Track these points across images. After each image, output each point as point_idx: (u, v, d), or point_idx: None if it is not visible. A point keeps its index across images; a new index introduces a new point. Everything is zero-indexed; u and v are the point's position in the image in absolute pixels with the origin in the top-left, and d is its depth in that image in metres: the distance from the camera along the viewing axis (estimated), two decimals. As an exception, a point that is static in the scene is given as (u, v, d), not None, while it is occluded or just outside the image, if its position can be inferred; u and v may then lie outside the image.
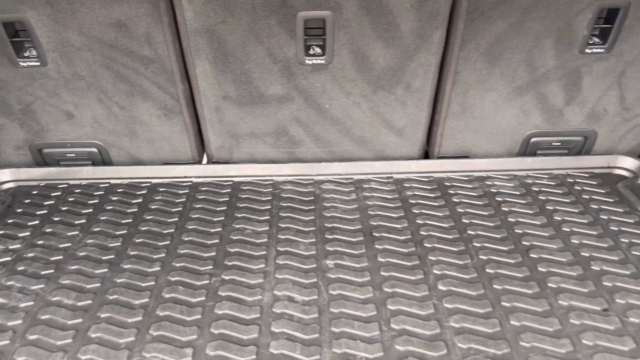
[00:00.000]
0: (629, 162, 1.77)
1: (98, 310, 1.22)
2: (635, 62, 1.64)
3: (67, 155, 1.80)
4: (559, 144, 1.85)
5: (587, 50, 1.61)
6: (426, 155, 1.90)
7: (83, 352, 1.11)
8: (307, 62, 1.59)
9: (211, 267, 1.36)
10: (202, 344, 1.13)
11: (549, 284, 1.29)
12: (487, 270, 1.34)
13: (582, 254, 1.39)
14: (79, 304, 1.24)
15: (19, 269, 1.36)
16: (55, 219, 1.56)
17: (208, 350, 1.12)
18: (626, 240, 1.44)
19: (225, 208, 1.62)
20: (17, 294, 1.27)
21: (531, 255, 1.39)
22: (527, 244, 1.44)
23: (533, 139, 1.83)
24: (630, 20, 1.55)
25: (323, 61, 1.59)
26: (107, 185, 1.73)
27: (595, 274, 1.32)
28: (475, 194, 1.68)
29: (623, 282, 1.29)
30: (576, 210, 1.58)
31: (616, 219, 1.54)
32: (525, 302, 1.24)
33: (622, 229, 1.49)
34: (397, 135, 1.79)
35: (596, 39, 1.61)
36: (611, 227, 1.50)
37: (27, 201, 1.65)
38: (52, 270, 1.35)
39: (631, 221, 1.52)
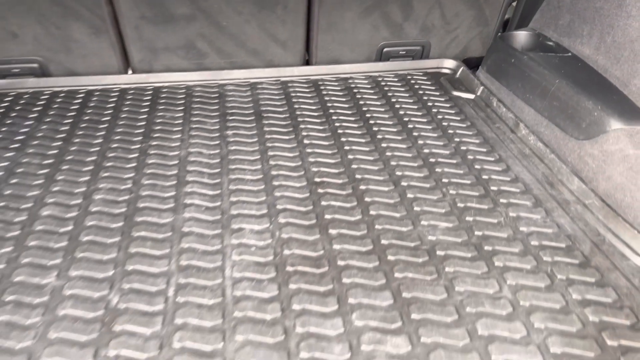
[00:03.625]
0: (450, 63, 2.43)
1: (38, 210, 1.51)
2: (448, -14, 2.26)
3: (12, 70, 2.20)
4: (405, 52, 2.47)
5: (413, -23, 2.20)
6: (308, 63, 2.46)
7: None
8: (205, -13, 2.08)
9: (139, 145, 1.86)
10: (134, 198, 1.63)
11: (382, 145, 1.89)
12: (339, 131, 1.95)
13: (407, 125, 2.01)
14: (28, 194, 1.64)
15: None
16: (8, 121, 1.97)
17: (139, 203, 1.60)
18: (436, 111, 2.09)
19: (148, 103, 2.11)
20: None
21: (374, 129, 1.99)
22: (372, 121, 2.04)
23: (385, 49, 2.43)
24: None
25: (218, -14, 2.09)
26: (51, 92, 2.16)
27: (414, 138, 1.93)
28: (339, 89, 2.27)
29: (430, 140, 1.93)
30: (410, 99, 2.21)
31: (434, 99, 2.19)
32: (359, 144, 1.86)
33: (436, 104, 2.14)
34: (282, 47, 2.33)
35: (419, -32, 2.21)
36: (428, 104, 2.15)
37: (-18, 107, 2.05)
38: (9, 160, 1.75)
39: (443, 99, 2.18)
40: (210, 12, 2.15)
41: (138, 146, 1.83)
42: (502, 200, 1.59)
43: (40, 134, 1.88)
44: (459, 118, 2.04)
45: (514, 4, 2.41)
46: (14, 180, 1.64)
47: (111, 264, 1.34)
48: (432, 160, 1.78)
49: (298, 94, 2.22)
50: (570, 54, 1.86)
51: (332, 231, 1.46)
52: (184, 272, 1.32)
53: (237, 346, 1.13)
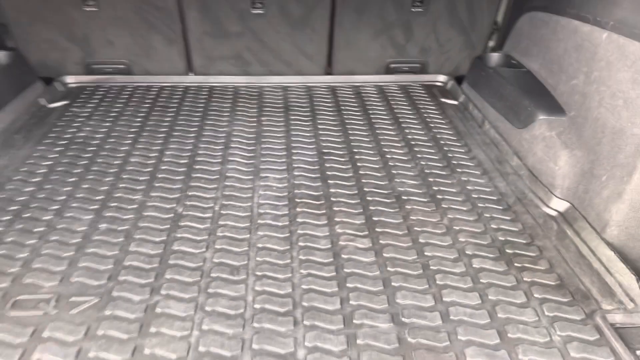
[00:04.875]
0: (441, 78, 3.03)
1: (128, 158, 2.36)
2: (442, 17, 2.87)
3: (106, 69, 2.93)
4: (407, 68, 3.09)
5: (413, 9, 2.83)
6: (328, 73, 3.11)
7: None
8: (252, 11, 2.76)
9: (198, 123, 2.53)
10: (193, 154, 2.30)
11: (377, 131, 2.50)
12: (346, 121, 2.56)
13: (399, 120, 2.61)
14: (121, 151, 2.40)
15: (90, 123, 2.49)
16: (104, 104, 2.69)
17: (197, 157, 2.29)
18: (424, 111, 2.69)
19: (205, 97, 2.79)
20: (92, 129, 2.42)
21: (372, 120, 2.60)
22: (373, 116, 2.65)
23: (391, 65, 3.06)
24: (435, -10, 2.79)
25: (262, 11, 2.77)
26: (134, 86, 2.87)
27: (402, 128, 2.54)
28: (351, 94, 2.90)
29: (414, 130, 2.52)
30: (406, 102, 2.81)
31: (424, 103, 2.79)
32: (360, 130, 2.47)
33: (425, 107, 2.74)
34: (309, 60, 2.99)
35: (418, 2, 2.84)
36: (419, 106, 2.75)
37: (84, 95, 2.78)
38: (107, 128, 2.49)
39: (432, 104, 2.78)
40: (255, 30, 2.83)
41: (197, 123, 2.50)
42: (459, 170, 2.16)
43: (127, 112, 2.58)
44: (441, 117, 2.63)
45: (496, 33, 3.01)
46: (111, 140, 2.32)
47: (177, 191, 1.98)
48: (412, 142, 2.38)
49: (319, 96, 2.86)
50: (525, 69, 2.43)
51: (330, 181, 2.07)
52: (226, 198, 1.94)
53: (259, 237, 1.74)
